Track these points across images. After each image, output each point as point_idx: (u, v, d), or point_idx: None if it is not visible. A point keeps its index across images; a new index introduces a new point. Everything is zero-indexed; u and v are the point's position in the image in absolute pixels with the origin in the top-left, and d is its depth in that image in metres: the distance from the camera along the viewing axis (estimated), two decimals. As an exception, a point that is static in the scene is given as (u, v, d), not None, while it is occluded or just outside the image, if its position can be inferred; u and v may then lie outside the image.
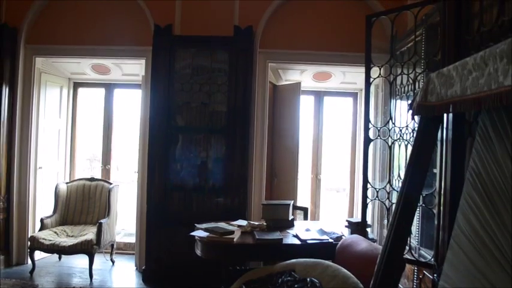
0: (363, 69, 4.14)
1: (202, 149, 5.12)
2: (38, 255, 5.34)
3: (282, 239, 3.58)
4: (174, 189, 5.10)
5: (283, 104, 5.81)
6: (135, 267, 5.54)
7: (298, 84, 5.77)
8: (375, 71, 4.03)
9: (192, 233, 3.70)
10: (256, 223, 4.07)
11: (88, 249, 5.08)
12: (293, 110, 5.70)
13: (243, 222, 4.12)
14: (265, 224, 4.04)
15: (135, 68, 5.93)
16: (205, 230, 3.67)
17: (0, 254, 5.42)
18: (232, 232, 3.67)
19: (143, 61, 5.45)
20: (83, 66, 6.09)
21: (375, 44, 4.07)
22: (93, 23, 5.59)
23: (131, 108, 6.63)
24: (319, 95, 6.35)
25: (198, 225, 3.85)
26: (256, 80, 5.23)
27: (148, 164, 5.13)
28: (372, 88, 4.27)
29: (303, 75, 5.92)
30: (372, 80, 4.01)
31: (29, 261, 5.36)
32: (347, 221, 4.05)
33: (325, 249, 3.47)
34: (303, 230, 3.89)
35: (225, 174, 5.07)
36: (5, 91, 5.41)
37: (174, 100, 5.13)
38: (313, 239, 3.59)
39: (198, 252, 3.64)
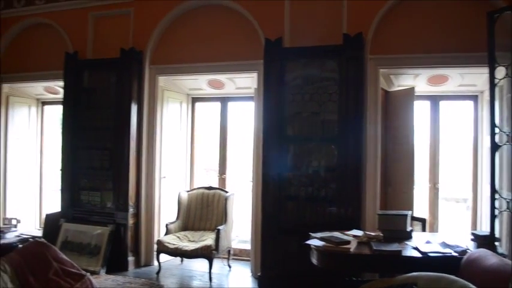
0: (482, 70, 3.87)
1: (314, 158, 5.15)
2: (163, 257, 5.73)
3: (401, 250, 3.46)
4: (287, 199, 5.18)
5: (396, 111, 5.62)
6: (250, 273, 5.72)
7: (412, 89, 5.54)
8: (499, 71, 3.73)
9: (308, 242, 3.73)
10: (373, 233, 3.98)
11: (207, 254, 5.38)
12: (407, 117, 5.48)
13: (359, 232, 4.06)
14: (381, 234, 3.94)
15: (247, 81, 6.20)
16: (321, 239, 3.68)
17: (131, 255, 5.98)
18: (348, 242, 3.64)
19: (255, 74, 5.67)
20: (200, 82, 6.52)
21: (498, 42, 3.78)
22: (208, 41, 5.97)
23: (245, 119, 6.91)
24: (434, 100, 6.02)
25: (313, 234, 3.87)
26: (367, 87, 5.13)
27: (262, 174, 5.30)
28: (495, 90, 3.95)
29: (416, 80, 5.67)
30: (497, 80, 3.73)
31: (155, 263, 5.82)
32: (473, 233, 3.79)
33: (448, 263, 3.27)
34: (422, 242, 3.72)
35: (338, 183, 5.04)
36: (134, 108, 6.00)
37: (286, 111, 5.24)
38: (435, 252, 3.41)
39: (314, 261, 3.66)
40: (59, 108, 7.07)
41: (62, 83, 6.55)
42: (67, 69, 6.38)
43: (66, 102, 6.43)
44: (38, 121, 7.82)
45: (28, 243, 3.63)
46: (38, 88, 7.43)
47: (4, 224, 6.98)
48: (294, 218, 5.16)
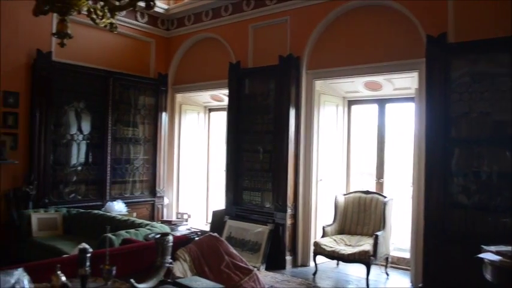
0: None
1: (484, 163, 4.66)
2: (319, 259, 5.79)
3: None
4: (452, 206, 4.80)
5: None
6: (410, 284, 5.44)
7: None
8: None
9: (480, 255, 3.42)
10: (561, 251, 3.47)
11: (365, 259, 5.27)
12: None
13: (543, 248, 3.57)
14: None
15: (406, 81, 5.94)
16: (497, 253, 3.34)
17: (288, 255, 6.19)
18: (531, 258, 3.24)
19: (415, 74, 5.40)
20: (356, 85, 6.46)
21: None
22: (363, 42, 5.88)
23: (403, 122, 6.62)
24: None
25: (485, 247, 3.54)
26: (553, 81, 4.47)
27: (425, 179, 5.01)
28: None
29: None
30: None
31: (312, 264, 5.92)
32: None
33: None
34: None
35: (514, 192, 4.50)
36: (292, 112, 6.22)
37: (451, 111, 4.85)
38: None
39: (488, 276, 3.34)
40: (223, 114, 7.69)
41: (226, 91, 7.14)
42: (231, 78, 6.91)
43: (230, 109, 6.97)
44: (205, 126, 8.67)
45: (203, 236, 4.02)
46: (205, 96, 8.23)
47: (177, 218, 7.87)
48: (461, 227, 4.75)
